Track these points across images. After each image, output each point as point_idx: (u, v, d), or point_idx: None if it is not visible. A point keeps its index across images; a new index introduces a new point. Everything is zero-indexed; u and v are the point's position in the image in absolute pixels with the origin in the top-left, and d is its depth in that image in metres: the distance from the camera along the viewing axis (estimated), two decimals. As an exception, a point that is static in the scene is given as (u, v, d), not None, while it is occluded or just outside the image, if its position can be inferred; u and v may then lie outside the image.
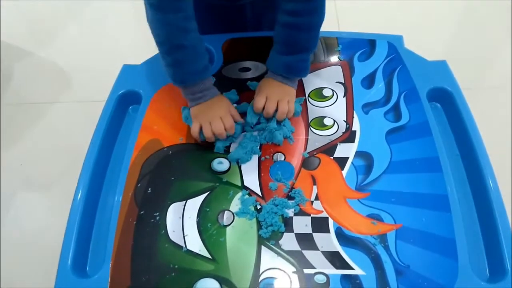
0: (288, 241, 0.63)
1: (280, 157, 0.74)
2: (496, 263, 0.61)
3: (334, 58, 0.88)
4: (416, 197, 0.67)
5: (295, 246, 0.63)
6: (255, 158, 0.73)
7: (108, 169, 0.75)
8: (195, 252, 0.63)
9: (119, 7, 2.01)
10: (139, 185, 0.70)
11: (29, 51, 1.90)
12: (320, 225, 0.65)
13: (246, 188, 0.70)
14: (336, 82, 0.84)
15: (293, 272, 0.60)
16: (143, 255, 0.63)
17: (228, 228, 0.65)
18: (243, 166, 0.72)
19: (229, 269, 0.61)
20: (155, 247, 0.63)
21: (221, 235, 0.64)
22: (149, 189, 0.70)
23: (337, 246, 0.63)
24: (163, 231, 0.65)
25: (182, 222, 0.66)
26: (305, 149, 0.74)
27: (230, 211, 0.67)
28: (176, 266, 0.61)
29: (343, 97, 0.81)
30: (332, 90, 0.82)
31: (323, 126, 0.77)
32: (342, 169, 0.71)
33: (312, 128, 0.77)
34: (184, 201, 0.68)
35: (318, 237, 0.64)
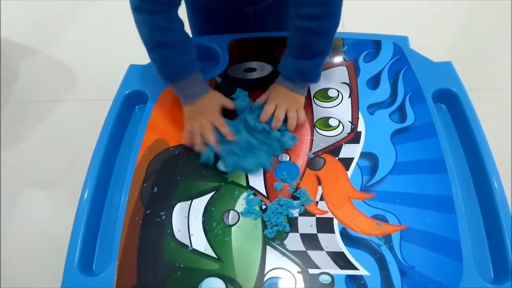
0: (293, 241, 0.64)
1: (285, 157, 0.74)
2: (500, 264, 0.61)
3: (339, 59, 0.88)
4: (421, 198, 0.67)
5: (300, 246, 0.63)
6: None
7: (114, 169, 0.76)
8: (200, 252, 0.63)
9: (126, 6, 2.01)
10: (145, 184, 0.71)
11: (35, 49, 1.91)
12: (325, 225, 0.65)
13: (251, 188, 0.70)
14: (342, 82, 0.84)
15: (298, 272, 0.61)
16: (149, 254, 0.63)
17: (233, 228, 0.65)
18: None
19: (234, 268, 0.61)
20: (161, 246, 0.64)
21: (226, 234, 0.65)
22: (155, 188, 0.70)
23: (341, 247, 0.63)
24: (169, 230, 0.65)
25: (187, 221, 0.66)
26: (310, 149, 0.74)
27: (235, 211, 0.67)
28: (182, 265, 0.62)
29: (349, 97, 0.82)
30: (338, 91, 0.83)
31: (329, 127, 0.77)
32: (347, 169, 0.72)
33: (317, 129, 0.77)
34: (190, 201, 0.68)
35: (323, 237, 0.64)
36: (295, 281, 0.60)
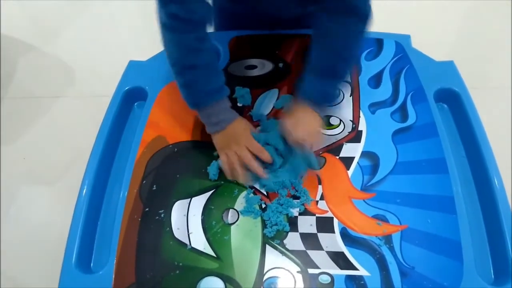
0: (293, 241, 0.63)
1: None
2: (501, 265, 0.61)
3: (340, 57, 0.87)
4: (422, 199, 0.67)
5: (300, 246, 0.63)
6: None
7: (113, 166, 0.75)
8: (199, 250, 0.63)
9: (126, 2, 2.01)
10: (144, 182, 0.70)
11: (33, 46, 1.90)
12: (325, 225, 0.65)
13: (251, 186, 0.69)
14: (343, 81, 0.83)
15: (298, 271, 0.60)
16: (148, 252, 0.63)
17: (232, 227, 0.65)
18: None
19: (234, 267, 0.61)
20: (159, 244, 0.63)
21: (225, 233, 0.64)
22: (154, 186, 0.70)
23: (341, 247, 0.63)
24: (168, 229, 0.65)
25: (186, 219, 0.66)
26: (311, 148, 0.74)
27: (235, 209, 0.67)
28: (181, 264, 0.61)
29: (350, 96, 0.81)
30: (339, 89, 0.82)
31: (329, 125, 0.77)
32: (348, 169, 0.71)
33: (318, 127, 0.77)
34: (189, 199, 0.68)
35: (323, 237, 0.64)
36: (295, 281, 0.59)
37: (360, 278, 0.59)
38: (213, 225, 0.65)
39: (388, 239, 0.63)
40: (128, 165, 0.72)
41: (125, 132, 0.80)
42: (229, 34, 0.92)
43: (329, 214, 0.66)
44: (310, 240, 0.63)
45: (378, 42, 0.89)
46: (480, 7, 1.95)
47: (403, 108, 0.78)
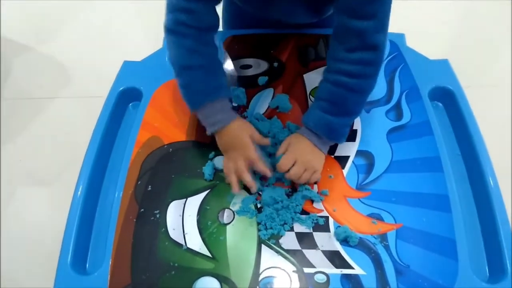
0: (288, 240, 0.63)
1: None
2: (496, 263, 0.61)
3: (335, 56, 0.87)
4: (417, 197, 0.67)
5: (295, 245, 0.63)
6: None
7: (108, 166, 0.75)
8: (195, 250, 0.62)
9: (121, 3, 2.00)
10: (139, 182, 0.70)
11: (29, 46, 1.89)
12: (320, 224, 0.65)
13: (246, 187, 0.69)
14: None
15: (293, 271, 0.60)
16: (143, 252, 0.63)
17: (228, 227, 0.65)
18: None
19: (229, 267, 0.61)
20: (155, 245, 0.63)
21: (221, 233, 0.64)
22: (149, 186, 0.69)
23: (337, 246, 0.63)
24: (163, 229, 0.65)
25: (182, 220, 0.66)
26: (306, 147, 0.74)
27: (230, 209, 0.67)
28: (176, 264, 0.61)
29: (345, 95, 0.81)
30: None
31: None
32: (343, 168, 0.71)
33: (313, 127, 0.77)
34: (185, 199, 0.68)
35: (318, 236, 0.64)
36: (290, 280, 0.60)
37: (355, 277, 0.59)
38: (209, 225, 0.65)
39: (383, 237, 0.63)
40: (123, 165, 0.72)
41: (120, 132, 0.80)
42: (224, 33, 0.92)
43: (325, 213, 0.66)
44: (306, 240, 0.63)
45: (373, 41, 0.89)
46: (474, 6, 1.95)
47: (397, 107, 0.79)
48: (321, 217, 0.65)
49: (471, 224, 0.66)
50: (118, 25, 1.96)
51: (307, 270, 0.60)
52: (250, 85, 0.83)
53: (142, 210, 0.67)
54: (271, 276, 0.60)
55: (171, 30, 0.68)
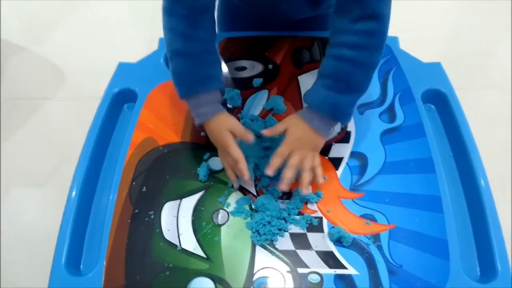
0: (283, 241, 0.64)
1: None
2: (487, 263, 0.62)
3: (330, 59, 0.88)
4: (410, 198, 0.68)
5: (290, 246, 0.63)
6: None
7: (102, 168, 0.75)
8: (189, 251, 0.63)
9: (116, 4, 2.00)
10: (134, 183, 0.70)
11: (23, 47, 1.89)
12: (314, 224, 0.65)
13: (241, 187, 0.70)
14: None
15: (287, 271, 0.61)
16: (138, 253, 0.63)
17: (222, 227, 0.65)
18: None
19: (224, 268, 0.61)
20: (149, 246, 0.63)
21: (215, 234, 0.64)
22: (144, 187, 0.70)
23: (331, 246, 0.63)
24: (158, 230, 0.65)
25: (176, 221, 0.66)
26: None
27: (225, 210, 0.67)
28: (171, 265, 0.61)
29: (339, 97, 0.82)
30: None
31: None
32: (337, 169, 0.72)
33: (307, 128, 0.77)
34: (179, 200, 0.68)
35: (312, 236, 0.64)
36: (284, 280, 0.60)
37: (349, 277, 0.60)
38: (203, 226, 0.65)
39: (376, 238, 0.64)
40: (118, 166, 0.72)
41: (114, 133, 0.80)
42: (219, 36, 0.92)
43: (319, 214, 0.67)
44: (300, 240, 0.64)
45: (367, 44, 0.90)
46: (467, 8, 1.98)
47: (391, 109, 0.79)
48: (315, 217, 0.66)
49: (463, 224, 0.67)
50: (114, 26, 1.96)
51: (301, 270, 0.61)
52: (245, 87, 0.83)
53: (137, 211, 0.67)
54: (265, 277, 0.60)
55: (169, 10, 0.67)
